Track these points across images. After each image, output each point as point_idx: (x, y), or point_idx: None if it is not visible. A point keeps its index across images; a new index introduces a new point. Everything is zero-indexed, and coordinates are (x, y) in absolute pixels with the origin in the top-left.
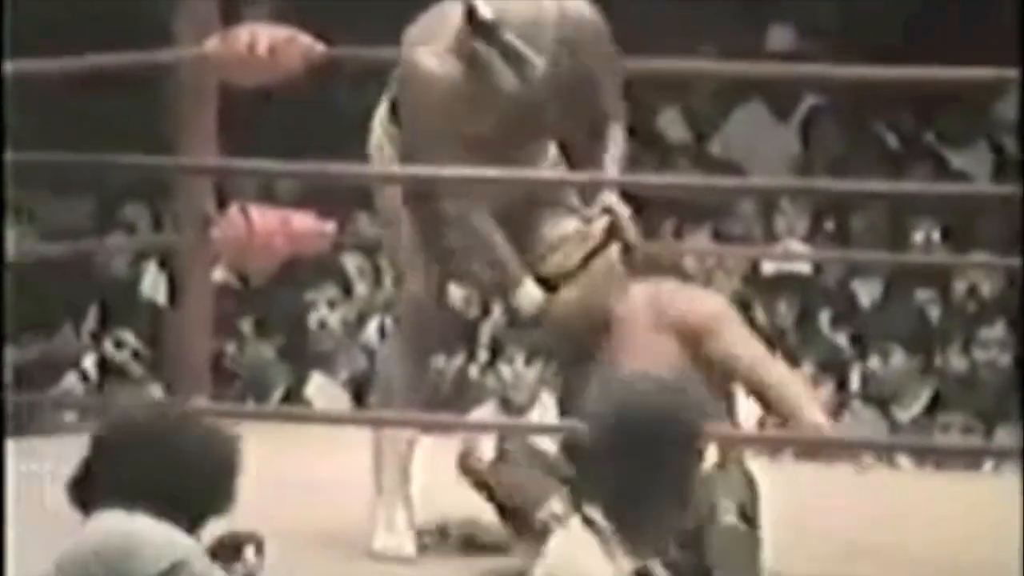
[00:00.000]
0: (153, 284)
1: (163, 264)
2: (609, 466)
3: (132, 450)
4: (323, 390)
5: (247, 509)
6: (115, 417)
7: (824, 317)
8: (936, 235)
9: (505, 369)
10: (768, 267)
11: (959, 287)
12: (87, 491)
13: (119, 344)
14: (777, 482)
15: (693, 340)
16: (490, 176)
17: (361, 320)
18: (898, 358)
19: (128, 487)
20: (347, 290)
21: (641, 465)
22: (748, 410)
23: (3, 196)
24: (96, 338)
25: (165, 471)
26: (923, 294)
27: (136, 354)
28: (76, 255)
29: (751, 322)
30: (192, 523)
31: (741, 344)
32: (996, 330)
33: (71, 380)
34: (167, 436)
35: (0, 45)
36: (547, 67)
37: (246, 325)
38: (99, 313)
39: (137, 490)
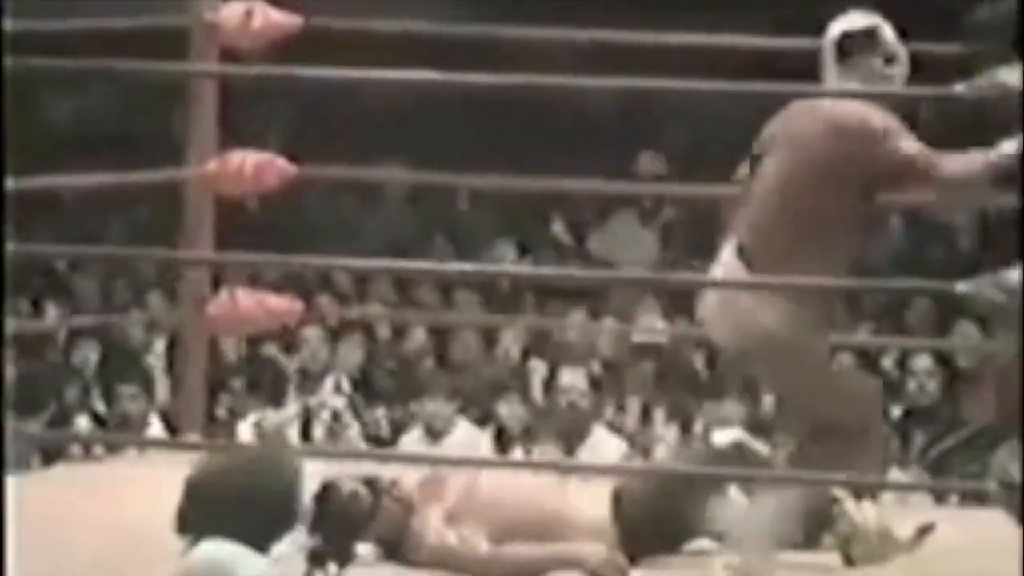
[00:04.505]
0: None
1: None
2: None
3: (216, 489)
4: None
5: None
6: (201, 463)
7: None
8: None
9: None
10: (636, 338)
11: None
12: (185, 523)
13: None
14: None
15: None
16: None
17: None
18: None
19: (216, 519)
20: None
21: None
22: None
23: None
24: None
25: (244, 505)
26: None
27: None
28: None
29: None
30: (267, 544)
31: None
32: None
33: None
34: (244, 476)
35: None
36: None
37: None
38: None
39: (223, 521)
